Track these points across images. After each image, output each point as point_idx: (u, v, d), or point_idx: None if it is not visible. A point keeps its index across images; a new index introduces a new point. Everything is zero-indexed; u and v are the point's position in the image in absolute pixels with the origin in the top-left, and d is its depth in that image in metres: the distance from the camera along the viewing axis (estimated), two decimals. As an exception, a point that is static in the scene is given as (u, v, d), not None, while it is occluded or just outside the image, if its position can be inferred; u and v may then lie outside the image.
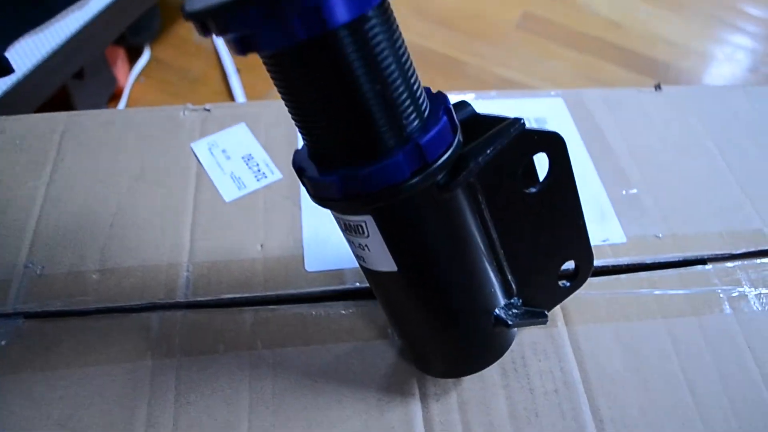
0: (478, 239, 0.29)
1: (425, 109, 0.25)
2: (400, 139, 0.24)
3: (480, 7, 1.14)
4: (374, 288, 0.31)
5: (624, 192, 0.44)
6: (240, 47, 0.21)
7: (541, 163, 0.28)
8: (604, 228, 0.42)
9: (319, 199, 0.26)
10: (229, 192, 0.43)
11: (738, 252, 0.41)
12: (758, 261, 0.42)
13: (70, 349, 0.35)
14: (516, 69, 1.02)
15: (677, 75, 1.05)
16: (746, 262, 0.42)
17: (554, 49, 1.07)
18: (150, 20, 1.05)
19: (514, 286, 0.32)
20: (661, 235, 0.42)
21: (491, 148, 0.26)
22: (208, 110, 0.48)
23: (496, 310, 0.31)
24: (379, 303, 0.33)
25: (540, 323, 0.33)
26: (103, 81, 0.95)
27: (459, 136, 0.26)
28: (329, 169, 0.25)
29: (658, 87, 0.52)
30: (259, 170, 0.45)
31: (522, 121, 0.26)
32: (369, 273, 0.29)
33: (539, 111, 0.49)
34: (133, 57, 1.07)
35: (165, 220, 0.41)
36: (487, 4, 1.15)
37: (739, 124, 0.51)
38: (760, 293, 0.40)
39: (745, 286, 0.40)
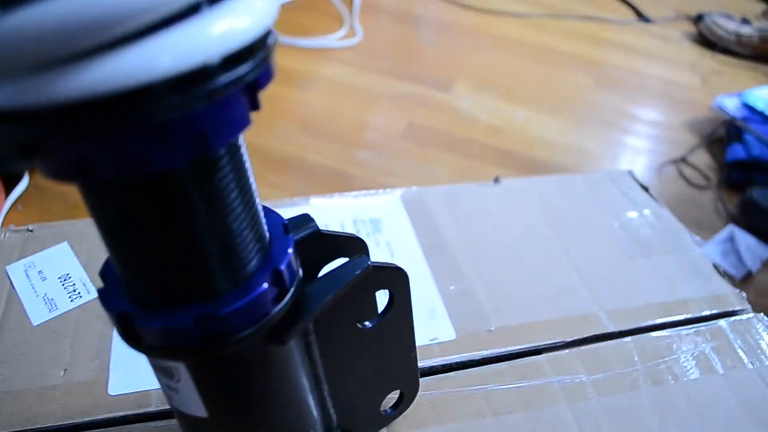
0: (303, 380, 0.26)
1: (265, 246, 0.22)
2: (235, 282, 0.20)
3: (367, 120, 1.18)
4: (181, 424, 0.27)
5: (455, 287, 0.44)
6: (69, 171, 0.15)
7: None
8: (434, 326, 0.41)
9: (127, 338, 0.21)
10: (38, 315, 0.40)
11: (571, 339, 0.41)
12: (594, 346, 0.41)
13: None
14: (399, 176, 1.04)
15: (556, 171, 1.09)
16: (582, 348, 0.41)
17: (437, 156, 1.10)
18: (28, 146, 1.02)
19: (335, 418, 0.30)
20: (492, 328, 0.41)
21: (332, 293, 0.23)
22: (31, 231, 0.46)
23: None
24: None
25: None
26: (-31, 209, 0.91)
27: (300, 275, 0.23)
28: (147, 307, 0.20)
29: (497, 180, 0.53)
30: (74, 290, 0.42)
31: (368, 264, 0.25)
32: (176, 411, 0.26)
33: (375, 211, 0.49)
34: (11, 184, 1.03)
35: (-38, 351, 0.38)
36: (374, 117, 1.19)
37: (576, 210, 0.52)
38: (596, 380, 0.39)
39: (580, 375, 0.39)
